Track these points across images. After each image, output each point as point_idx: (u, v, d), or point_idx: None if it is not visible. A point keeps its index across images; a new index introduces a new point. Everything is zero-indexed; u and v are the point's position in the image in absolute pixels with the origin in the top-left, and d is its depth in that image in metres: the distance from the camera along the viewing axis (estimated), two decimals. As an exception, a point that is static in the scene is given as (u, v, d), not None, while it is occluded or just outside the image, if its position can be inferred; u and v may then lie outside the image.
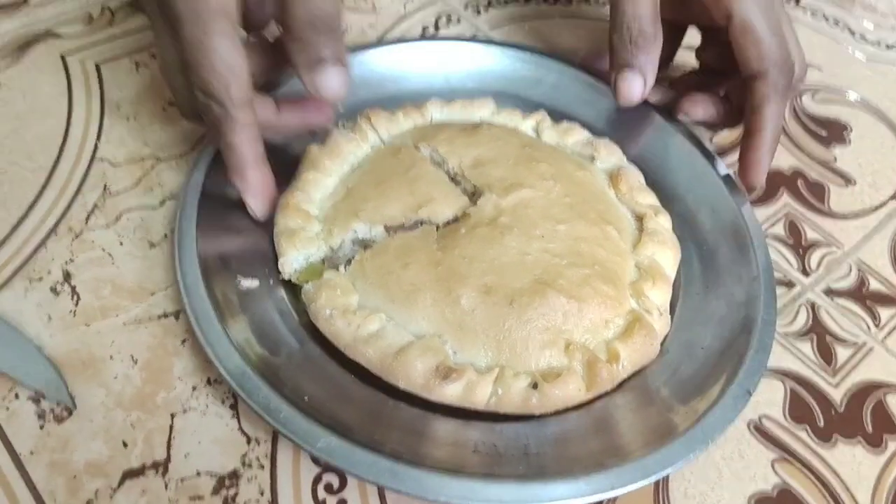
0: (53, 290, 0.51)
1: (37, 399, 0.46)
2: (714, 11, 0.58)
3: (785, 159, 0.68)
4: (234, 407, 0.47)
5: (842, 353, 0.55)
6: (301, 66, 0.48)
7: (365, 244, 0.52)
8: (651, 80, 0.59)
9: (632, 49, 0.58)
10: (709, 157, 0.61)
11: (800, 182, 0.67)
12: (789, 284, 0.59)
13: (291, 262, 0.50)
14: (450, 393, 0.45)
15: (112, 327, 0.50)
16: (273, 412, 0.43)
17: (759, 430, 0.51)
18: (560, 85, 0.66)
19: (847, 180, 0.68)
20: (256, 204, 0.51)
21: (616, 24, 0.59)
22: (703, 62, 0.66)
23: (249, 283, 0.50)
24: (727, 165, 0.64)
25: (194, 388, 0.48)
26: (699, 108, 0.62)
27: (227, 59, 0.45)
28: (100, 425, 0.45)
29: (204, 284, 0.47)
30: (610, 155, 0.60)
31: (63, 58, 0.65)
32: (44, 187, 0.56)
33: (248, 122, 0.48)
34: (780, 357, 0.55)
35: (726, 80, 0.63)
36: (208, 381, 0.48)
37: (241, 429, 0.46)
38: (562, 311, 0.48)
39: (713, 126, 0.63)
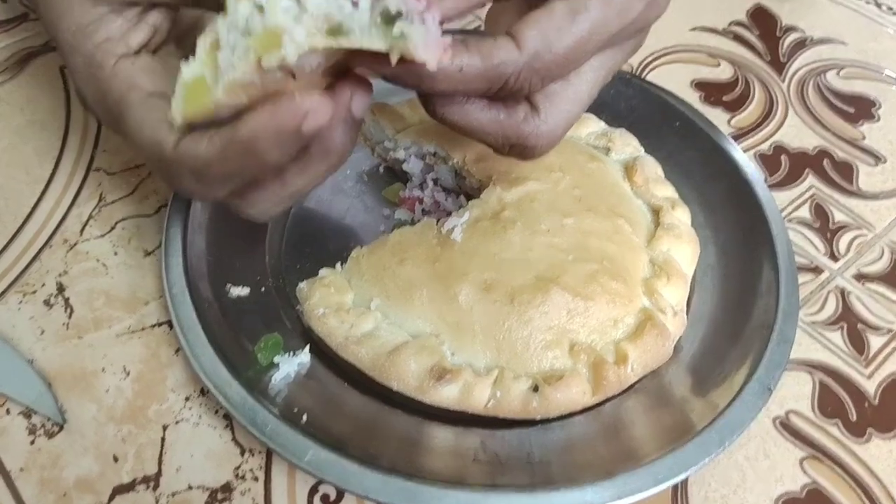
0: (47, 303, 0.50)
1: (28, 414, 0.45)
2: None
3: (809, 138, 0.65)
4: (227, 417, 0.46)
5: (875, 342, 0.52)
6: None
7: None
8: (456, 4, 0.38)
9: None
10: (724, 140, 0.58)
11: (826, 162, 0.63)
12: (816, 270, 0.55)
13: (173, 110, 0.39)
14: (445, 395, 0.43)
15: (105, 339, 0.49)
16: (260, 426, 0.41)
17: (786, 426, 0.47)
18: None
19: (877, 158, 0.63)
20: (292, 108, 0.35)
21: None
22: None
23: (240, 291, 0.48)
24: (745, 148, 0.62)
25: (187, 399, 0.46)
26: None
27: (151, 132, 0.40)
28: (91, 440, 0.44)
29: (191, 294, 0.46)
30: (625, 146, 0.57)
31: (62, 70, 0.65)
32: (40, 199, 0.56)
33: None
34: (807, 348, 0.51)
35: None
36: (201, 392, 0.47)
37: (234, 440, 0.45)
38: (566, 310, 0.45)
39: None
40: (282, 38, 0.33)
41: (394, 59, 0.34)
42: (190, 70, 0.36)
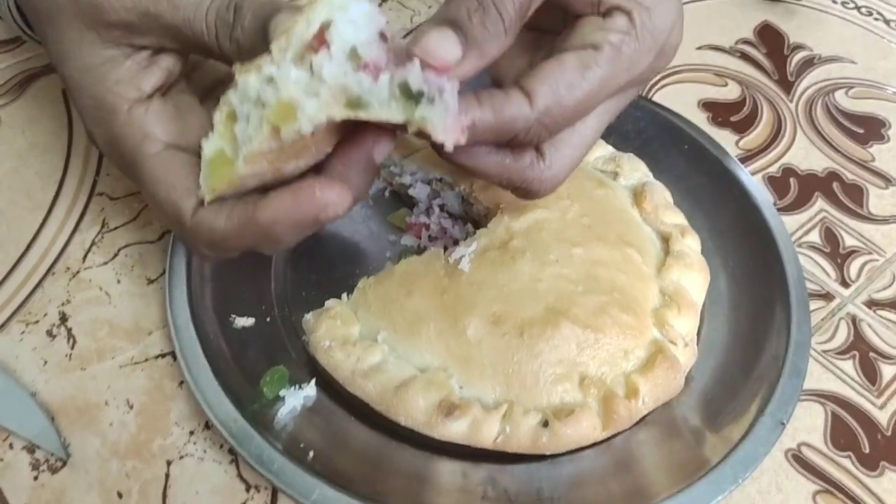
0: (49, 334, 0.49)
1: (31, 449, 0.45)
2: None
3: (818, 160, 0.64)
4: (232, 452, 0.45)
5: (887, 371, 0.51)
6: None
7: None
8: (471, 62, 0.37)
9: (475, 15, 0.36)
10: (732, 164, 0.57)
11: (835, 185, 0.62)
12: (827, 297, 0.55)
13: (202, 185, 0.39)
14: (454, 431, 0.43)
15: (108, 370, 0.48)
16: (266, 463, 0.40)
17: (798, 459, 0.47)
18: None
19: (887, 181, 0.63)
20: (315, 201, 0.36)
21: None
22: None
23: (245, 322, 0.48)
24: (753, 171, 0.61)
25: (191, 433, 0.46)
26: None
27: (168, 193, 0.40)
28: (94, 476, 0.44)
29: (195, 326, 0.46)
30: (634, 171, 0.57)
31: (64, 92, 0.64)
32: (42, 225, 0.55)
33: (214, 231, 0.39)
34: (818, 378, 0.50)
35: None
36: (206, 426, 0.46)
37: (240, 475, 0.44)
38: (576, 343, 0.45)
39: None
40: (296, 111, 0.33)
41: (411, 130, 0.34)
42: (210, 146, 0.37)
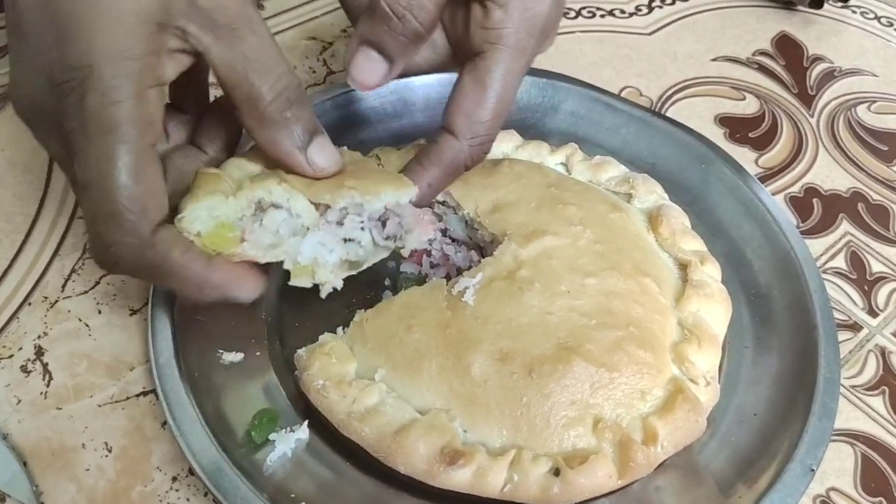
0: (24, 369, 0.46)
1: (2, 497, 0.41)
2: None
3: (842, 179, 0.61)
4: (218, 501, 0.42)
5: (921, 409, 0.48)
6: (287, 149, 0.41)
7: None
8: (397, 70, 0.43)
9: (395, 27, 0.41)
10: (753, 184, 0.54)
11: (860, 206, 0.59)
12: (854, 327, 0.51)
13: (192, 218, 0.39)
14: (457, 480, 0.39)
15: (86, 410, 0.45)
16: (252, 517, 0.37)
17: (828, 506, 0.44)
18: (579, 111, 0.59)
19: (915, 201, 0.60)
20: (245, 292, 0.42)
21: None
22: None
23: (233, 357, 0.45)
24: (774, 191, 0.58)
25: (174, 479, 0.42)
26: None
27: (143, 192, 0.36)
28: (68, 528, 0.40)
29: (178, 364, 0.42)
30: (649, 193, 0.53)
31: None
32: (19, 251, 0.52)
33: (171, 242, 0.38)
34: (847, 416, 0.47)
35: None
36: (190, 471, 0.43)
37: (225, 527, 0.41)
38: (589, 382, 0.41)
39: None
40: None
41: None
42: (227, 204, 0.40)
